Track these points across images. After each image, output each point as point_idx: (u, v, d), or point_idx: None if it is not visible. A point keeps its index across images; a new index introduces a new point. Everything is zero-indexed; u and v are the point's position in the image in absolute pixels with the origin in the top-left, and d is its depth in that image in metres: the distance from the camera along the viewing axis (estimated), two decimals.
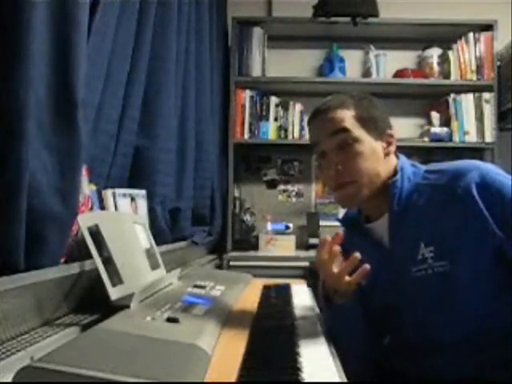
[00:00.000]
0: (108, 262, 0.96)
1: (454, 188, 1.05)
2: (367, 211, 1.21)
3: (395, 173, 1.13)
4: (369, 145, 1.12)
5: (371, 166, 1.11)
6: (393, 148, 1.16)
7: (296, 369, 0.75)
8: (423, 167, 1.17)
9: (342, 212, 3.27)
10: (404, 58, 3.24)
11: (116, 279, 0.97)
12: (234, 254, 2.89)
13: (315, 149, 1.17)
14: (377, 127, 1.14)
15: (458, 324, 1.06)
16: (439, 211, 1.07)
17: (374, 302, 1.18)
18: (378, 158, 1.13)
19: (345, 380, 0.76)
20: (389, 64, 3.16)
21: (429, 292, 1.08)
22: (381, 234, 1.16)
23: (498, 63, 3.02)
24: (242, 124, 3.04)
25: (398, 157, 1.19)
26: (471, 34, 3.03)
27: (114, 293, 0.94)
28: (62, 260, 0.96)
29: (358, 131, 1.12)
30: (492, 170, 1.07)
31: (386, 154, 1.14)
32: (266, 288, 1.49)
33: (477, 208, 1.02)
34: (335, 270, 1.04)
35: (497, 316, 1.04)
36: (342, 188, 1.13)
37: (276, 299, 1.35)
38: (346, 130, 1.11)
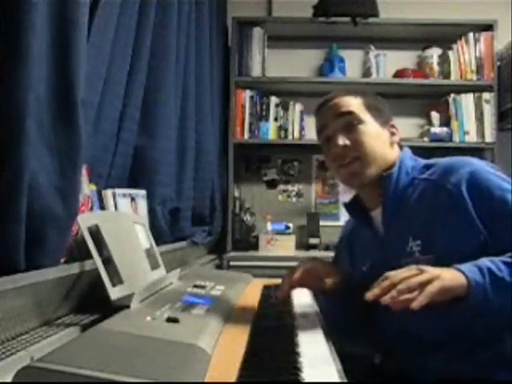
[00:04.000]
0: (108, 262, 0.96)
1: (444, 184, 1.07)
2: (364, 200, 1.22)
3: (394, 165, 1.15)
4: (374, 128, 1.15)
5: (377, 145, 1.14)
6: (396, 139, 1.19)
7: (296, 369, 0.75)
8: (422, 161, 1.19)
9: (342, 212, 3.29)
10: (404, 58, 3.24)
11: (116, 279, 0.97)
12: (234, 254, 2.89)
13: (321, 134, 1.21)
14: (382, 116, 1.18)
15: (442, 322, 1.06)
16: (429, 206, 1.08)
17: (371, 286, 1.19)
18: (384, 142, 1.16)
19: (345, 380, 0.76)
20: (389, 64, 3.16)
21: None
22: (378, 223, 1.19)
23: (498, 63, 3.02)
24: (242, 124, 3.04)
25: (401, 149, 1.21)
26: (471, 34, 3.03)
27: (114, 293, 0.94)
28: (62, 260, 0.96)
29: (363, 115, 1.15)
30: (483, 167, 1.07)
31: (391, 144, 1.18)
32: (266, 288, 1.49)
33: (464, 205, 1.02)
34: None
35: (482, 316, 1.03)
36: (347, 165, 1.15)
37: (276, 299, 1.35)
38: (351, 113, 1.15)
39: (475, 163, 1.08)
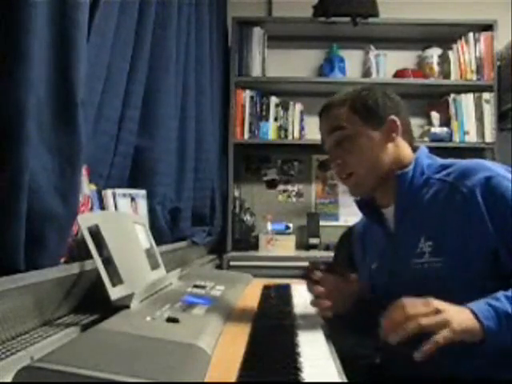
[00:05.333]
0: (108, 262, 0.96)
1: (459, 187, 1.05)
2: (377, 197, 1.22)
3: (409, 163, 1.14)
4: (365, 137, 1.14)
5: (369, 156, 1.14)
6: (396, 134, 1.15)
7: (296, 369, 0.75)
8: (440, 161, 1.17)
9: (342, 212, 3.29)
10: (404, 58, 3.24)
11: (116, 279, 0.97)
12: (234, 253, 2.89)
13: (324, 147, 1.22)
14: (376, 116, 1.15)
15: None
16: (442, 208, 1.07)
17: (378, 285, 1.21)
18: (377, 148, 1.14)
19: (345, 380, 0.76)
20: (389, 64, 3.16)
21: (423, 287, 1.08)
22: (390, 221, 1.18)
23: (498, 63, 3.02)
24: (242, 124, 3.04)
25: (415, 148, 1.19)
26: (471, 34, 3.03)
27: (114, 293, 0.93)
28: (62, 260, 0.96)
29: (353, 125, 1.14)
30: (501, 173, 1.05)
31: (388, 141, 1.15)
32: (266, 288, 1.49)
33: (478, 210, 1.01)
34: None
35: None
36: (344, 180, 1.18)
37: (276, 299, 1.35)
38: (340, 128, 1.15)
39: (493, 168, 1.07)
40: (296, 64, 3.26)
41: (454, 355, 1.05)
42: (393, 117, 1.16)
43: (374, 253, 1.25)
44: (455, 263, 1.03)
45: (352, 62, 3.22)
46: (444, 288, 1.05)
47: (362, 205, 1.27)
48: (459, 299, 1.03)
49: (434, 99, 3.16)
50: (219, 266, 2.71)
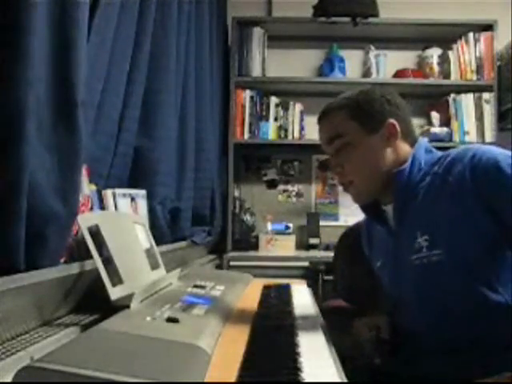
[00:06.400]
0: (108, 262, 0.96)
1: (446, 176, 1.05)
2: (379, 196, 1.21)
3: (407, 160, 1.13)
4: (364, 144, 1.13)
5: (367, 164, 1.14)
6: (395, 138, 1.14)
7: (296, 369, 0.75)
8: (439, 153, 1.15)
9: (342, 212, 3.29)
10: (404, 58, 3.25)
11: (116, 279, 0.97)
12: (234, 254, 2.89)
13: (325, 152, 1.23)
14: (374, 121, 1.14)
15: (446, 324, 1.06)
16: (434, 200, 1.07)
17: (384, 283, 1.23)
18: (375, 154, 1.14)
19: (345, 380, 0.76)
20: (389, 64, 3.16)
21: (425, 281, 1.08)
22: (391, 218, 1.18)
23: (498, 63, 3.03)
24: (242, 124, 3.04)
25: (413, 142, 1.17)
26: (471, 34, 3.03)
27: (114, 293, 0.93)
28: (62, 260, 0.96)
29: (351, 132, 1.13)
30: (481, 149, 1.04)
31: (387, 146, 1.14)
32: (266, 288, 1.49)
33: (465, 197, 1.01)
34: None
35: (487, 322, 1.02)
36: (346, 188, 1.18)
37: (276, 299, 1.35)
38: (339, 136, 1.15)
39: (477, 148, 1.05)
40: (296, 64, 3.26)
41: (454, 356, 1.06)
42: (391, 120, 1.14)
43: (378, 250, 1.26)
44: (452, 254, 1.03)
45: (352, 62, 3.22)
46: (446, 280, 1.05)
47: (364, 205, 1.27)
48: (463, 291, 1.03)
49: (434, 99, 3.16)
50: (219, 266, 2.71)
